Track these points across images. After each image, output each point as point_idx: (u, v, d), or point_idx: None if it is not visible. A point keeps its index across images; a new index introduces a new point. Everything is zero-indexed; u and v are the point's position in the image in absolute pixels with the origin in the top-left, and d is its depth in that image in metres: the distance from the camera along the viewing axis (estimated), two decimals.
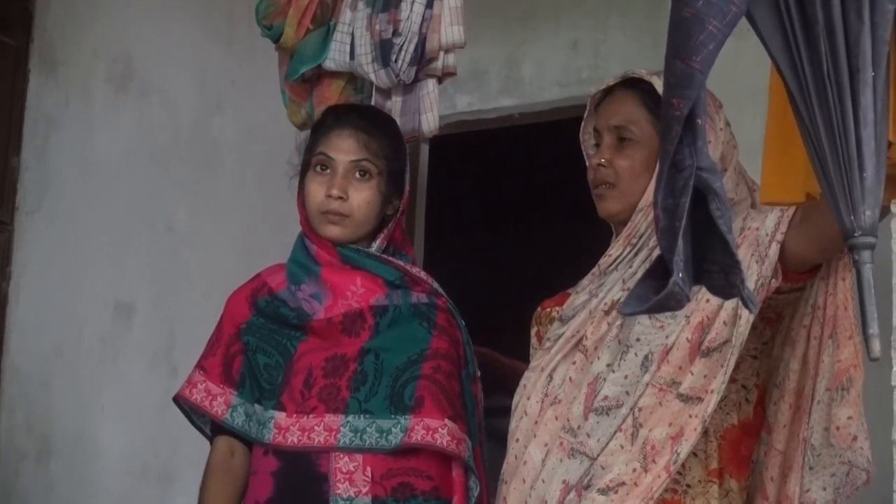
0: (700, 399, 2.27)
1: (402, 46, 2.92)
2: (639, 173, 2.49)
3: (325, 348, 2.73)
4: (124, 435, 4.26)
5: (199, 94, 4.38)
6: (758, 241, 2.28)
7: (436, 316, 2.76)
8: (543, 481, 2.37)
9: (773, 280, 2.27)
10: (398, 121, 2.95)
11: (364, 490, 2.62)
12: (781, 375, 2.37)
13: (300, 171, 2.83)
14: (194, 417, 2.84)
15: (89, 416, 4.33)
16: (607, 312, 2.42)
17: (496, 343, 3.57)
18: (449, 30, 2.91)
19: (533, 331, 2.70)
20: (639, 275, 2.33)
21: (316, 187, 2.77)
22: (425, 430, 2.63)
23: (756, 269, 2.26)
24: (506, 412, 2.55)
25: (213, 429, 2.80)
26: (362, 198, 2.75)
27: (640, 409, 2.29)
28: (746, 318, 2.26)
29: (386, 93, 3.04)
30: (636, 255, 2.46)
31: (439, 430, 2.64)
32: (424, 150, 4.06)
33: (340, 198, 2.74)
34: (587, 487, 2.29)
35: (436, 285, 2.83)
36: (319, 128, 2.84)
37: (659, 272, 1.69)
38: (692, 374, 2.28)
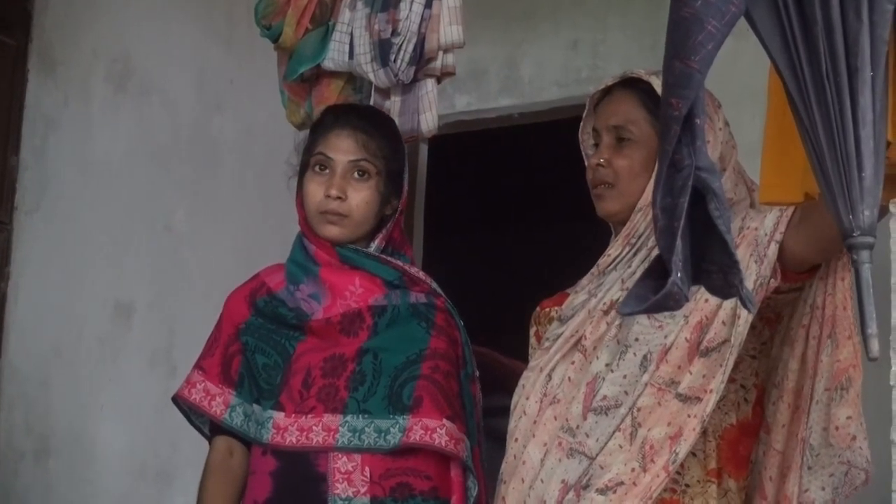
0: (699, 399, 2.27)
1: (400, 46, 2.92)
2: (637, 173, 2.49)
3: (323, 348, 2.73)
4: (123, 434, 4.26)
5: (199, 94, 4.38)
6: (756, 241, 2.28)
7: (434, 316, 2.76)
8: (542, 481, 2.37)
9: (772, 280, 2.27)
10: (397, 120, 2.95)
11: (362, 490, 2.62)
12: (780, 375, 2.37)
13: (299, 171, 2.83)
14: (193, 417, 2.84)
15: (88, 416, 4.33)
16: (606, 312, 2.42)
17: (496, 343, 3.57)
18: (448, 29, 2.91)
19: (532, 331, 2.70)
20: (638, 275, 2.33)
21: (315, 187, 2.77)
22: (423, 430, 2.63)
23: (755, 269, 2.26)
24: (505, 412, 2.55)
25: (212, 429, 2.80)
26: (361, 198, 2.75)
27: (638, 409, 2.29)
28: (745, 317, 2.26)
29: (385, 92, 3.04)
30: (635, 254, 2.46)
31: (437, 430, 2.64)
32: (423, 149, 4.06)
33: (339, 198, 2.74)
34: (586, 487, 2.29)
35: (434, 285, 2.83)
36: (318, 128, 2.84)
37: (657, 272, 1.69)
38: (691, 373, 2.28)
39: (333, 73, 3.12)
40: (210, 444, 2.81)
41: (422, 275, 2.84)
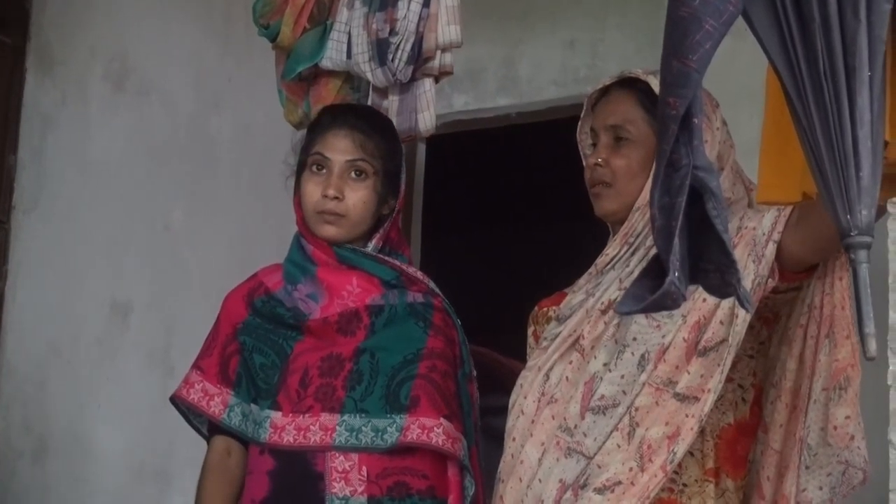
0: (696, 398, 2.27)
1: (398, 45, 2.92)
2: (635, 173, 2.48)
3: (321, 348, 2.73)
4: (121, 434, 4.26)
5: (197, 94, 4.38)
6: (754, 241, 2.28)
7: (432, 315, 2.76)
8: (540, 480, 2.37)
9: (770, 279, 2.27)
10: (395, 120, 2.95)
11: (360, 489, 2.62)
12: (778, 375, 2.37)
13: (296, 171, 2.83)
14: (191, 417, 2.83)
15: (86, 416, 4.33)
16: (604, 312, 2.42)
17: (494, 343, 3.57)
18: (446, 29, 2.91)
19: (530, 330, 2.70)
20: (636, 274, 2.33)
21: (312, 187, 2.77)
22: (421, 430, 2.63)
23: (753, 269, 2.26)
24: (503, 411, 2.55)
25: (210, 428, 2.80)
26: (358, 197, 2.75)
27: (636, 409, 2.29)
28: (743, 317, 2.26)
29: (383, 92, 3.03)
30: (633, 254, 2.46)
31: (435, 429, 2.64)
32: (421, 149, 4.06)
33: (336, 198, 2.74)
34: (584, 487, 2.29)
35: (432, 285, 2.83)
36: (315, 128, 2.84)
37: (655, 271, 1.68)
38: (689, 373, 2.28)
39: (331, 72, 3.12)
40: (208, 443, 2.81)
41: (419, 274, 2.84)
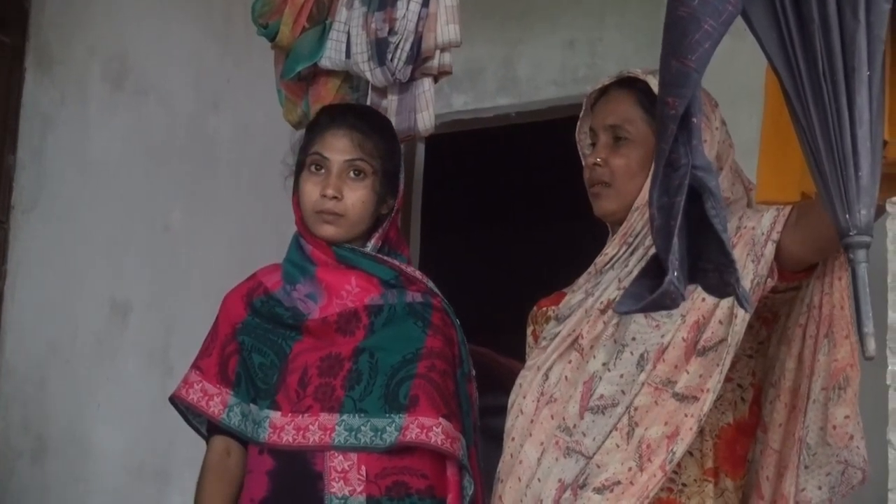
0: (696, 398, 2.27)
1: (397, 45, 2.92)
2: (634, 172, 2.49)
3: (320, 348, 2.73)
4: (120, 434, 4.26)
5: (196, 93, 4.38)
6: (753, 241, 2.28)
7: (431, 315, 2.76)
8: (539, 480, 2.37)
9: (769, 279, 2.27)
10: (394, 119, 2.95)
11: (359, 489, 2.62)
12: (777, 374, 2.37)
13: (295, 171, 2.83)
14: (190, 417, 2.84)
15: (85, 415, 4.33)
16: (603, 311, 2.42)
17: (493, 342, 3.57)
18: (445, 28, 2.91)
19: (529, 330, 2.70)
20: (635, 274, 2.33)
21: (311, 187, 2.77)
22: (420, 429, 2.63)
23: (752, 269, 2.26)
24: (502, 411, 2.55)
25: (210, 428, 2.80)
26: (357, 197, 2.75)
27: (635, 409, 2.29)
28: (742, 317, 2.26)
29: (382, 91, 3.03)
30: (632, 254, 2.46)
31: (434, 428, 2.64)
32: (420, 148, 4.06)
33: (335, 197, 2.74)
34: (583, 486, 2.29)
35: (431, 285, 2.83)
36: (314, 127, 2.84)
37: (654, 271, 1.68)
38: (688, 373, 2.28)
39: (330, 71, 3.12)
40: (207, 443, 2.81)
41: (418, 274, 2.84)
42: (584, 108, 2.63)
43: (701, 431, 2.32)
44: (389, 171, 2.80)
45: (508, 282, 6.05)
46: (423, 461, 2.66)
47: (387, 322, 2.74)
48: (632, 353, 2.34)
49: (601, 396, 2.34)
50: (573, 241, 4.05)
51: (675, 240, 1.65)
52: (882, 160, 1.70)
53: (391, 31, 2.93)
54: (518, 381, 2.53)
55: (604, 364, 2.37)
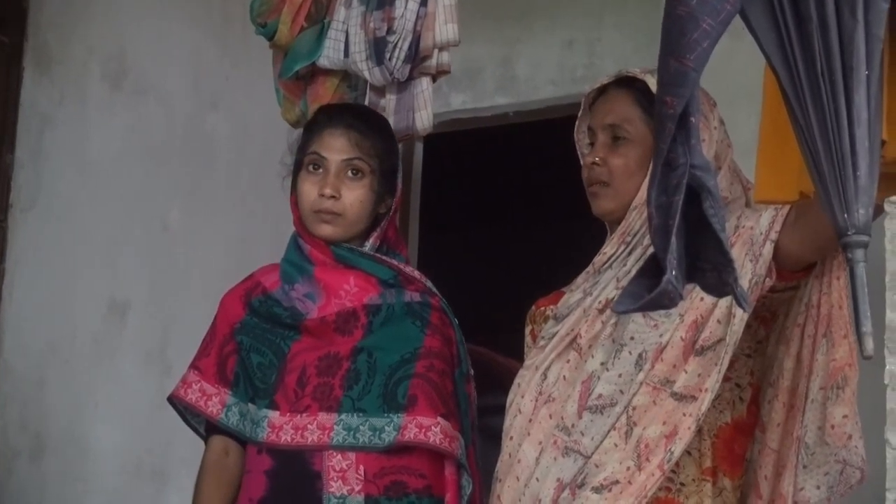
0: (694, 398, 2.27)
1: (396, 44, 2.92)
2: (633, 172, 2.48)
3: (318, 347, 2.73)
4: (118, 433, 4.26)
5: (194, 92, 4.38)
6: (752, 240, 2.28)
7: (429, 315, 2.76)
8: (537, 479, 2.37)
9: (768, 279, 2.27)
10: (392, 119, 2.95)
11: (357, 488, 2.62)
12: (775, 374, 2.37)
13: (293, 171, 2.83)
14: (189, 417, 2.84)
15: (84, 415, 4.33)
16: (601, 311, 2.42)
17: (493, 342, 3.57)
18: (443, 28, 2.91)
19: (527, 329, 2.70)
20: (633, 273, 2.32)
21: (309, 187, 2.76)
22: (418, 429, 2.63)
23: (750, 268, 2.26)
24: (500, 410, 2.55)
25: (208, 428, 2.80)
26: (355, 196, 2.75)
27: (634, 408, 2.29)
28: (740, 316, 2.26)
29: (380, 91, 3.03)
30: (630, 253, 2.46)
31: (432, 428, 2.64)
32: (418, 148, 4.06)
33: (333, 197, 2.74)
34: (581, 486, 2.29)
35: (429, 284, 2.83)
36: (312, 127, 2.84)
37: (652, 270, 1.68)
38: (686, 372, 2.28)
39: (329, 71, 3.12)
40: (206, 443, 2.81)
41: (417, 274, 2.84)
42: (582, 107, 2.63)
43: (699, 431, 2.32)
44: (387, 171, 2.80)
45: (507, 281, 6.04)
46: (422, 461, 2.65)
47: (385, 322, 2.74)
48: (630, 353, 2.34)
49: (599, 396, 2.34)
50: (571, 240, 4.04)
51: (674, 239, 1.65)
52: (880, 159, 1.70)
53: (389, 31, 2.93)
54: (516, 380, 2.53)
55: (602, 363, 2.37)
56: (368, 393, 2.67)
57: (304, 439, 2.66)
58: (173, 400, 2.82)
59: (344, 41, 3.05)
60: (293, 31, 3.11)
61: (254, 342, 2.77)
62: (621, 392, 2.32)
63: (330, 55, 3.07)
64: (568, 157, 2.72)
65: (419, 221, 4.08)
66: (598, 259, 2.52)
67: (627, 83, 2.53)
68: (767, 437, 2.37)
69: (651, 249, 1.72)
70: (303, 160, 2.79)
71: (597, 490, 2.27)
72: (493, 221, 6.78)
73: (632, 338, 2.34)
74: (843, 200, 1.65)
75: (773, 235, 2.26)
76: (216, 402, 2.76)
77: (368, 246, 2.80)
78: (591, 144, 2.58)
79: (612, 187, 2.50)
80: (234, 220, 4.25)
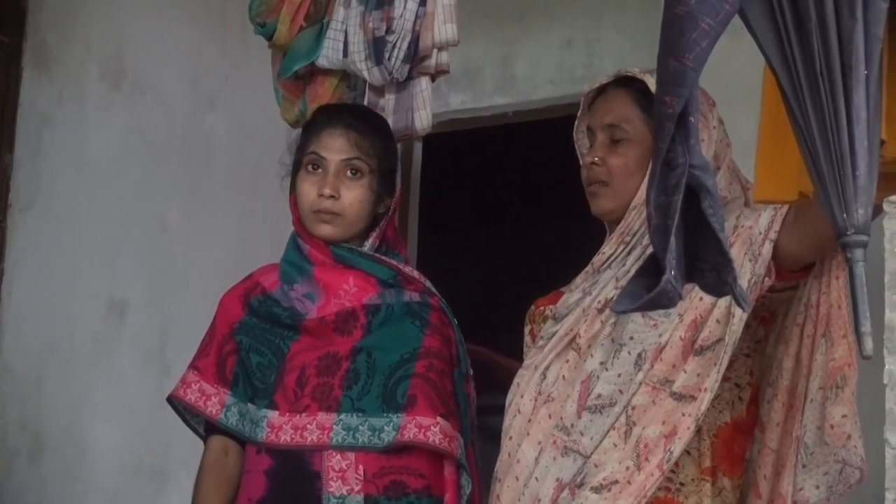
0: (693, 397, 2.27)
1: (395, 44, 2.92)
2: (632, 171, 2.48)
3: (317, 347, 2.73)
4: (117, 433, 4.26)
5: (193, 92, 4.37)
6: (751, 240, 2.28)
7: (428, 315, 2.76)
8: (537, 479, 2.37)
9: (767, 278, 2.27)
10: (391, 118, 2.95)
11: (356, 488, 2.62)
12: (774, 374, 2.37)
13: (292, 171, 2.83)
14: (188, 417, 2.83)
15: (83, 414, 4.33)
16: (601, 310, 2.42)
17: (492, 341, 3.57)
18: (442, 28, 2.91)
19: (526, 329, 2.70)
20: (632, 273, 2.33)
21: (308, 187, 2.76)
22: (417, 429, 2.63)
23: (749, 268, 2.26)
24: (500, 410, 2.55)
25: (207, 428, 2.80)
26: (354, 196, 2.75)
27: (633, 408, 2.29)
28: (739, 316, 2.26)
29: (379, 90, 3.03)
30: (629, 253, 2.46)
31: (431, 427, 2.64)
32: (418, 148, 4.06)
33: (332, 196, 2.73)
34: (580, 485, 2.29)
35: (428, 284, 2.83)
36: (311, 127, 2.84)
37: (651, 270, 1.68)
38: (685, 372, 2.28)
39: (328, 70, 3.12)
40: (205, 443, 2.80)
41: (416, 274, 2.84)
42: (581, 107, 2.63)
43: (698, 431, 2.32)
44: (386, 171, 2.80)
45: (506, 281, 6.04)
46: (421, 460, 2.65)
47: (384, 321, 2.74)
48: (629, 353, 2.34)
49: (599, 396, 2.34)
50: (571, 240, 4.04)
51: (673, 239, 1.65)
52: (879, 159, 1.70)
53: (388, 30, 2.93)
54: (516, 380, 2.53)
55: (601, 363, 2.37)
56: (368, 393, 2.67)
57: (303, 439, 2.66)
58: (172, 400, 2.82)
59: (343, 41, 3.05)
60: (292, 31, 3.11)
61: (253, 342, 2.77)
62: (620, 392, 2.32)
63: (329, 55, 3.07)
64: (567, 156, 2.72)
65: (418, 221, 4.08)
66: (597, 259, 2.52)
67: (626, 83, 2.53)
68: (767, 437, 2.37)
69: (650, 249, 1.72)
70: (302, 160, 2.79)
71: (596, 490, 2.26)
72: (492, 221, 6.78)
73: (631, 337, 2.34)
74: (843, 200, 1.65)
75: (773, 235, 2.26)
76: (215, 402, 2.76)
77: (368, 246, 2.80)
78: (591, 144, 2.58)
79: (611, 187, 2.50)
80: (234, 220, 4.25)
